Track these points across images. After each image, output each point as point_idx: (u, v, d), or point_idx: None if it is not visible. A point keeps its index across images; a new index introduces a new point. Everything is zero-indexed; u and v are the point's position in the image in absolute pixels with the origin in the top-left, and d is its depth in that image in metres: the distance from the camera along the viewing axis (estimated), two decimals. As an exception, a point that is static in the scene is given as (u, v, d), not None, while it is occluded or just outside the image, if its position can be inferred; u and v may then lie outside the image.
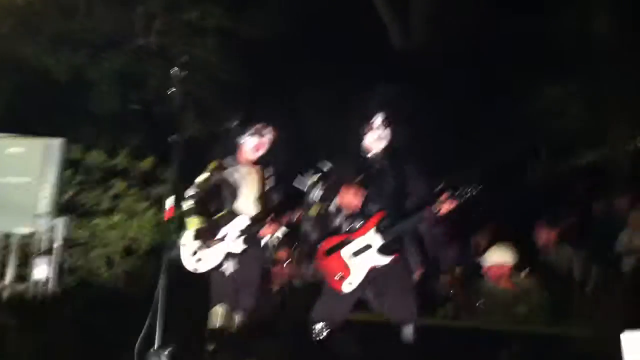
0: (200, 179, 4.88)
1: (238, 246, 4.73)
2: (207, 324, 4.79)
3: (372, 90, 4.80)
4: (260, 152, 4.90)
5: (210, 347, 4.73)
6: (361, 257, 4.39)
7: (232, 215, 4.80)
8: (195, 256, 4.76)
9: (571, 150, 12.02)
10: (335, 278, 4.39)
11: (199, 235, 4.75)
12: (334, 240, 4.47)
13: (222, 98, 10.18)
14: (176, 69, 4.77)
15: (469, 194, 4.32)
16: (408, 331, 4.43)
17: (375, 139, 4.56)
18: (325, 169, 4.62)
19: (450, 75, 10.75)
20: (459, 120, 10.49)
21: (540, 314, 5.87)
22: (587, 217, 8.69)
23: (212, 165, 4.90)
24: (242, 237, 4.73)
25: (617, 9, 10.52)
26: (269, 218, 4.76)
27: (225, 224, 4.78)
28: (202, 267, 4.76)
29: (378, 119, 4.55)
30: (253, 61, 10.64)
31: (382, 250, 4.39)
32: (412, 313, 4.46)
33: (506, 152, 10.96)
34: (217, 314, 4.74)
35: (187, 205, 4.81)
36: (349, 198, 4.44)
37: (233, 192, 4.82)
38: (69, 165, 7.52)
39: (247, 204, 4.84)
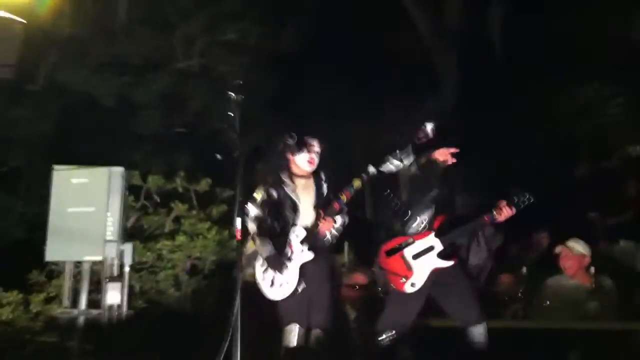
0: (257, 197, 4.97)
1: (307, 255, 4.81)
2: (281, 343, 4.86)
3: (424, 101, 4.90)
4: (314, 165, 4.99)
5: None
6: (423, 259, 4.48)
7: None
8: (275, 284, 4.84)
9: (619, 145, 11.96)
10: (401, 281, 4.47)
11: (269, 263, 4.84)
12: (395, 242, 4.58)
13: (265, 114, 10.30)
14: (232, 94, 4.91)
15: (526, 203, 4.41)
16: (479, 332, 4.50)
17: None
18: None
19: (487, 79, 10.78)
20: (501, 124, 10.48)
21: (610, 309, 5.85)
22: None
23: (265, 183, 4.99)
24: (306, 245, 4.81)
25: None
26: (321, 214, 4.82)
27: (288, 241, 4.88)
28: (286, 291, 4.82)
29: (429, 128, 4.65)
30: (294, 76, 10.76)
31: (443, 253, 4.47)
32: (479, 314, 4.54)
33: (554, 151, 10.94)
34: (291, 333, 4.81)
35: (251, 227, 4.91)
36: (444, 155, 4.48)
37: (294, 209, 4.91)
38: (130, 191, 7.68)
39: (308, 214, 4.92)
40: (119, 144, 9.42)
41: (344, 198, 4.72)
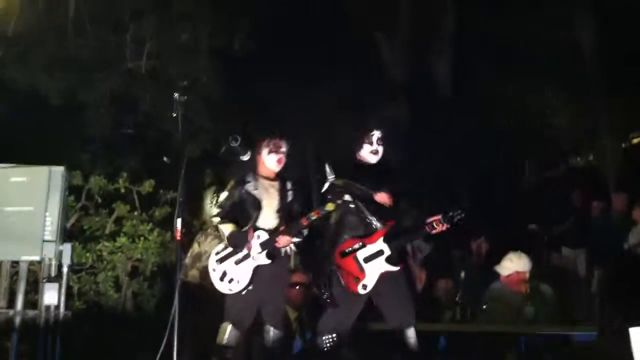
0: (222, 197, 4.94)
1: (264, 259, 4.78)
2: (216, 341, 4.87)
3: (372, 107, 4.95)
4: (282, 165, 4.96)
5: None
6: (373, 263, 4.58)
7: (255, 229, 4.84)
8: (225, 279, 4.82)
9: (562, 156, 12.25)
10: (354, 281, 4.53)
11: (234, 239, 4.79)
12: (349, 244, 4.64)
13: (216, 116, 10.26)
14: (177, 94, 4.90)
15: (458, 217, 4.54)
16: (410, 334, 4.60)
17: (371, 152, 4.74)
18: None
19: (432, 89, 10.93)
20: (444, 133, 10.62)
21: (548, 315, 5.97)
22: (585, 219, 8.85)
23: (231, 183, 4.95)
24: (265, 251, 4.77)
25: (598, 16, 10.71)
26: (281, 229, 4.80)
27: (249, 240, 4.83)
28: (236, 287, 4.79)
29: (376, 135, 4.73)
30: (246, 79, 10.73)
31: (390, 258, 4.54)
32: (411, 317, 4.64)
33: (498, 162, 11.14)
34: (224, 331, 4.82)
35: (215, 220, 4.91)
36: (384, 198, 4.60)
37: (257, 207, 4.87)
38: (71, 191, 7.58)
39: (268, 216, 4.89)
40: (64, 143, 9.30)
41: (314, 216, 4.69)
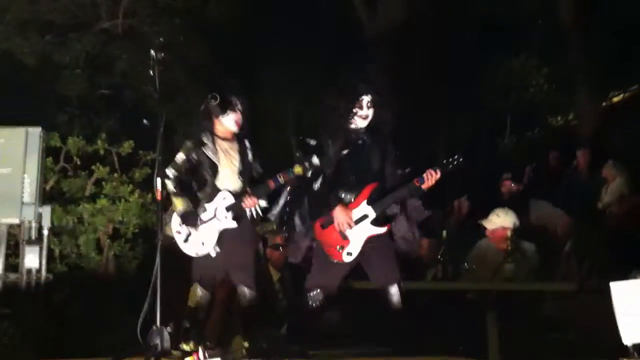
0: (178, 158, 4.89)
1: (230, 222, 4.78)
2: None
3: (359, 71, 4.84)
4: (239, 126, 4.92)
5: (186, 325, 4.88)
6: (357, 228, 4.51)
7: (216, 191, 4.84)
8: (190, 241, 4.83)
9: (538, 117, 12.34)
10: (337, 249, 4.50)
11: (185, 219, 4.80)
12: (330, 214, 4.58)
13: (191, 77, 10.18)
14: (153, 51, 4.81)
15: (455, 163, 4.47)
16: (394, 291, 4.56)
17: (361, 117, 4.66)
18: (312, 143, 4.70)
19: (416, 53, 10.88)
20: (429, 97, 10.60)
21: (528, 271, 6.02)
22: (558, 177, 8.89)
23: (187, 144, 4.91)
24: (231, 213, 4.77)
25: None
26: (248, 191, 4.80)
27: (210, 201, 4.82)
28: (202, 250, 4.82)
29: (365, 99, 4.64)
30: (221, 40, 10.63)
31: (377, 221, 4.52)
32: (395, 275, 4.60)
33: (477, 123, 11.18)
34: (194, 292, 4.88)
35: (169, 186, 4.86)
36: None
37: (213, 168, 4.84)
38: (49, 153, 7.49)
39: (229, 178, 4.88)
40: (40, 104, 9.19)
41: (281, 179, 4.66)
